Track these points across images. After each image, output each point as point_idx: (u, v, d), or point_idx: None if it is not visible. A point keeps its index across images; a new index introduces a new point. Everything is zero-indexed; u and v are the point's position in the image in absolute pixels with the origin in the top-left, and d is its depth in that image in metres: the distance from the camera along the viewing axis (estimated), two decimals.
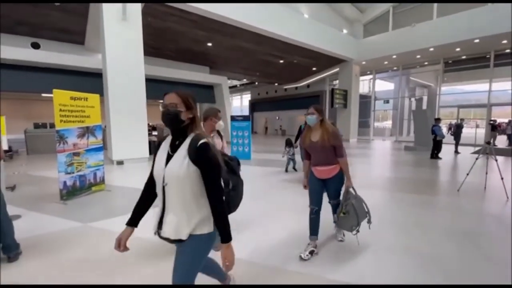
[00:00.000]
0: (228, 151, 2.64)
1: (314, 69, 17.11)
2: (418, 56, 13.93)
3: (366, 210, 2.49)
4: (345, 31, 15.08)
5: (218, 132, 2.57)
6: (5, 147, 8.43)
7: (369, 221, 2.50)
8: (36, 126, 13.63)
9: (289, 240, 2.77)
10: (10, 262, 2.32)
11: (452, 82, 16.66)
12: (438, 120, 8.92)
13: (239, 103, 30.93)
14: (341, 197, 2.52)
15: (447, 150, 9.90)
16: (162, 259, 2.39)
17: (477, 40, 11.22)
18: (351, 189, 2.45)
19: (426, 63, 15.24)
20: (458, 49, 12.55)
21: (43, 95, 12.43)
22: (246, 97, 29.21)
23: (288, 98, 23.11)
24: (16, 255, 2.38)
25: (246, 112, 27.62)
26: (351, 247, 2.59)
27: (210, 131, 2.43)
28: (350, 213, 2.37)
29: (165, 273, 2.17)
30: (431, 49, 12.46)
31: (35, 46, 10.56)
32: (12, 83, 9.42)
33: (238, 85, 27.25)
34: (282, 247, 2.63)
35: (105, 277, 2.12)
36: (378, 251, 2.54)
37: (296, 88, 21.82)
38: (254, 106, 27.39)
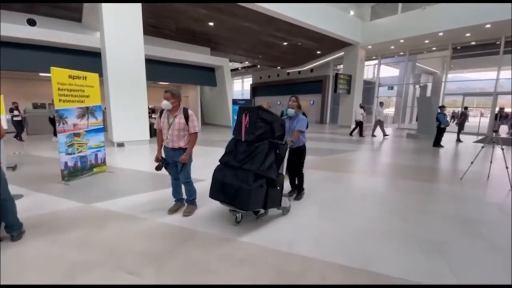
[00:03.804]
0: (198, 129, 2.85)
1: (318, 52, 16.64)
2: (427, 41, 13.47)
3: None
4: (352, 12, 14.51)
5: (185, 112, 2.75)
6: (4, 126, 8.30)
7: None
8: (35, 106, 13.43)
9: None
10: (14, 241, 2.32)
11: (458, 69, 16.25)
12: (442, 107, 8.79)
13: (240, 87, 30.42)
14: None
15: (449, 138, 9.83)
16: (164, 240, 2.40)
17: (488, 25, 10.81)
18: None
19: (434, 48, 14.79)
20: (468, 34, 12.12)
21: (41, 74, 12.15)
22: (248, 81, 28.67)
23: (290, 82, 22.64)
24: (20, 234, 2.38)
25: (247, 96, 27.26)
26: None
27: (171, 111, 2.77)
28: None
29: (167, 253, 2.17)
30: (440, 33, 12.02)
31: (31, 23, 10.19)
32: (8, 62, 9.16)
33: (239, 68, 26.66)
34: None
35: (108, 256, 2.13)
36: (380, 237, 2.54)
37: (299, 72, 21.33)
38: (256, 90, 26.92)
